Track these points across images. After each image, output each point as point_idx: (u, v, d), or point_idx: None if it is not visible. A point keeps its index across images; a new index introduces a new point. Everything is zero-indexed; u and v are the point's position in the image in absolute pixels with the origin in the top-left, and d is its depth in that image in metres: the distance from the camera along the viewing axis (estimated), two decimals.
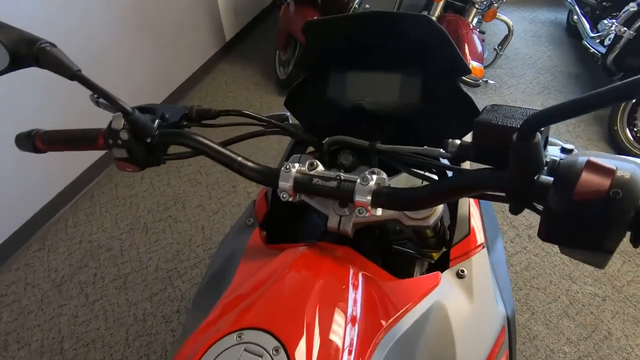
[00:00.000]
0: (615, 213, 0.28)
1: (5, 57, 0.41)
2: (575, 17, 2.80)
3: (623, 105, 2.12)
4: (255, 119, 0.57)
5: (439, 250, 0.65)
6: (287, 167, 0.47)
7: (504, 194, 0.35)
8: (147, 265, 1.66)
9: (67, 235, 1.78)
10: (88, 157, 1.97)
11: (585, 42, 2.54)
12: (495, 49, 2.44)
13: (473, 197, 0.44)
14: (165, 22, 2.32)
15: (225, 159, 0.49)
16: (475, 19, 2.52)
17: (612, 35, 2.30)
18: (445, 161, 0.58)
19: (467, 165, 0.65)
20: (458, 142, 0.41)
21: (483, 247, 0.53)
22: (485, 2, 2.20)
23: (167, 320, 1.46)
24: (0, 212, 1.60)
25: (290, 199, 0.48)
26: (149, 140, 0.49)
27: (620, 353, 1.36)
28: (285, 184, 0.46)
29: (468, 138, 0.40)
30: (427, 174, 0.52)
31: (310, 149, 0.67)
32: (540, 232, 0.32)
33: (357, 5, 2.75)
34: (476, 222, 0.56)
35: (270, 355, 0.34)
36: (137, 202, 1.93)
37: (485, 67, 2.49)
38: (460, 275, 0.49)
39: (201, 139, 0.49)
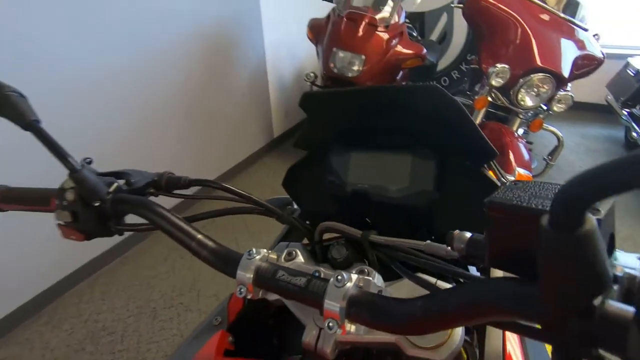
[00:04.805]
0: None
1: None
2: (635, 134, 2.66)
3: None
4: (231, 192, 0.50)
5: None
6: (251, 252, 0.37)
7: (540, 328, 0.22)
8: (144, 357, 1.49)
9: (77, 312, 1.71)
10: None
11: None
12: (545, 158, 2.32)
13: (495, 325, 0.30)
14: (219, 112, 2.56)
15: (182, 235, 0.40)
16: (522, 130, 2.48)
17: None
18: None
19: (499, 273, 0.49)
20: (467, 235, 0.29)
21: None
22: (529, 113, 2.17)
23: None
24: (25, 275, 1.60)
25: (250, 296, 0.36)
26: (97, 204, 0.43)
27: None
28: (244, 274, 0.36)
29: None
30: (438, 281, 0.38)
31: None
32: None
33: None
34: None
35: None
36: (154, 284, 1.86)
37: (535, 176, 2.35)
38: None
39: (159, 209, 0.42)
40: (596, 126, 3.53)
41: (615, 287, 0.20)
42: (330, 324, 0.31)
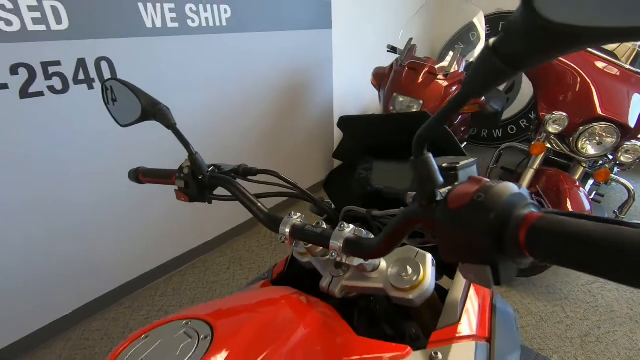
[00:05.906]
0: (476, 214, 0.28)
1: (139, 112, 0.65)
2: None
3: None
4: (284, 180, 0.69)
5: None
6: (290, 215, 0.56)
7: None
8: None
9: (152, 302, 2.01)
10: (192, 241, 2.34)
11: None
12: (615, 212, 2.19)
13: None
14: (287, 144, 2.89)
15: (249, 203, 0.60)
16: (591, 181, 2.38)
17: None
18: None
19: None
20: (413, 193, 0.45)
21: (474, 341, 0.46)
22: (599, 162, 2.10)
23: None
24: (115, 267, 1.97)
25: (286, 243, 0.54)
26: (200, 177, 0.66)
27: None
28: (284, 228, 0.54)
29: None
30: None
31: None
32: (440, 252, 0.32)
33: None
34: (471, 314, 0.49)
35: (199, 340, 0.37)
36: (216, 288, 2.11)
37: None
38: (432, 358, 0.43)
39: (237, 185, 0.63)
40: None
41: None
42: (333, 254, 0.47)
